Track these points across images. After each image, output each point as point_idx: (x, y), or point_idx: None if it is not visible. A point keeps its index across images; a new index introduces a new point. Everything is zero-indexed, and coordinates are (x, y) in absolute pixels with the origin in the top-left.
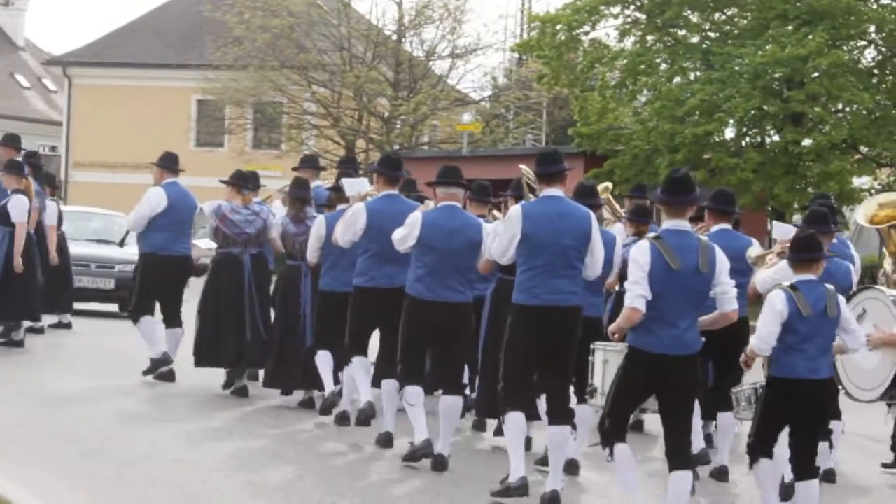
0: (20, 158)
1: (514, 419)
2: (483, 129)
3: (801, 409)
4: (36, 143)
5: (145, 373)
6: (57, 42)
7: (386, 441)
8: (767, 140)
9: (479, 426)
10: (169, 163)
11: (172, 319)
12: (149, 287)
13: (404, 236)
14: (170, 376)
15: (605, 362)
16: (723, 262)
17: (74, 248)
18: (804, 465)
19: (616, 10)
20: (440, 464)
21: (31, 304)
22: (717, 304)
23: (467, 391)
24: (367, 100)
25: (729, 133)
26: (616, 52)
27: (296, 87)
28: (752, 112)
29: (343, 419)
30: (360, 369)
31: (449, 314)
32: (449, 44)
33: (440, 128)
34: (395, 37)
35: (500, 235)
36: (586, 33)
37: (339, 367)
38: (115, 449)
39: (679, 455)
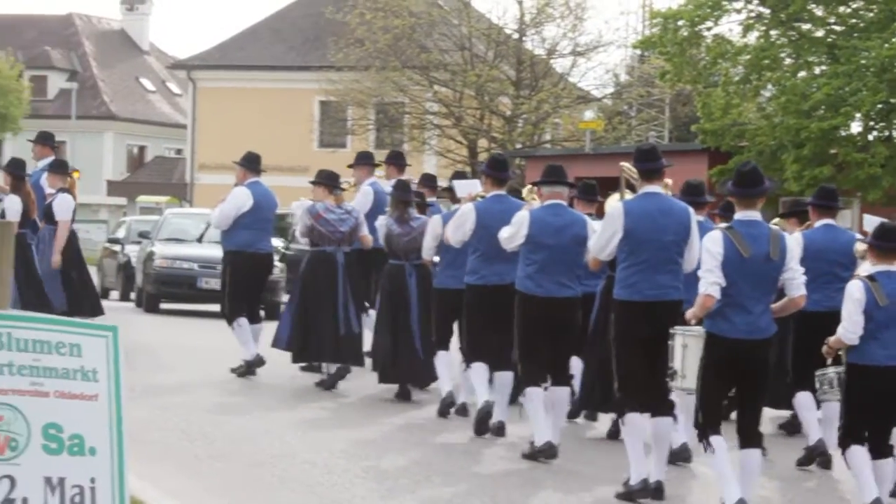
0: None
1: (633, 421)
2: (605, 127)
3: (879, 394)
4: (161, 147)
5: (234, 371)
6: (181, 46)
7: (499, 430)
8: (895, 134)
9: (591, 417)
10: (251, 163)
11: (253, 316)
12: (239, 286)
13: (511, 235)
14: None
15: (685, 346)
16: (793, 250)
17: (200, 250)
18: (879, 445)
19: (739, 4)
20: (550, 451)
21: (93, 298)
22: (785, 290)
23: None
24: (489, 99)
25: (856, 127)
26: (739, 47)
27: (417, 88)
28: (879, 106)
29: (463, 411)
30: (478, 375)
31: (558, 309)
32: (570, 41)
33: (562, 126)
34: (516, 35)
35: (600, 232)
36: (709, 29)
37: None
38: (246, 449)
39: (750, 433)
